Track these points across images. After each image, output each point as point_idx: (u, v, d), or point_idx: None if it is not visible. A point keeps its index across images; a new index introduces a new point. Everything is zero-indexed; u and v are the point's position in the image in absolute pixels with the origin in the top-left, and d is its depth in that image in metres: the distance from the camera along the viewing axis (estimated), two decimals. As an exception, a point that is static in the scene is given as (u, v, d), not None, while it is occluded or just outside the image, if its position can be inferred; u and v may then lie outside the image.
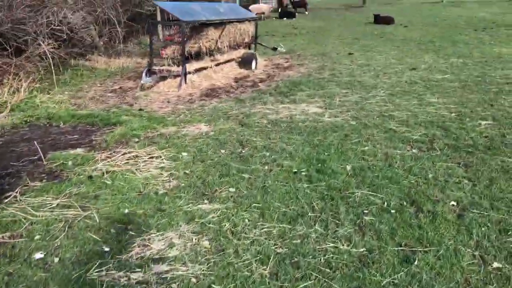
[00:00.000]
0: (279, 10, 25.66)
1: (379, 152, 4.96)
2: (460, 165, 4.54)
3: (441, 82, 8.65)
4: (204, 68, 9.18)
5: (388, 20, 20.64)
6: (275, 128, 6.04)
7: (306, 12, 26.86)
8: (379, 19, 20.83)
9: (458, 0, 27.27)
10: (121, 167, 4.43)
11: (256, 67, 10.66)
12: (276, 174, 4.37)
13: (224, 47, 10.48)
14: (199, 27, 9.32)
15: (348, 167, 4.51)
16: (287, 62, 11.94)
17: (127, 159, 4.64)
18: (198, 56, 9.77)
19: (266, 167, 4.58)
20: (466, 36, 16.28)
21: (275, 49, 13.65)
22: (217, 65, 9.76)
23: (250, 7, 24.09)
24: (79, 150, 5.03)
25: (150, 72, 8.82)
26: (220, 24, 9.84)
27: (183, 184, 4.09)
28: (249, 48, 12.14)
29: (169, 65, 8.94)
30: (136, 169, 4.39)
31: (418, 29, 18.69)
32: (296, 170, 4.45)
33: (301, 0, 28.24)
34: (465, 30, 17.80)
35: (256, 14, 24.38)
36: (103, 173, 4.29)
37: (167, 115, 6.84)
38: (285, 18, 24.88)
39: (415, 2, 29.50)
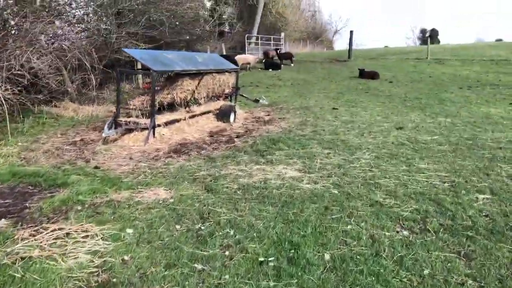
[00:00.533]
0: (264, 61, 25.61)
1: (363, 234, 4.17)
2: (461, 256, 3.76)
3: (430, 144, 8.04)
4: (177, 121, 8.47)
5: (373, 75, 20.55)
6: (245, 195, 5.24)
7: (292, 64, 26.88)
8: (364, 74, 20.74)
9: (441, 58, 27.65)
10: (43, 251, 3.53)
11: (234, 120, 10.00)
12: (237, 265, 3.51)
13: (202, 98, 9.87)
14: (174, 77, 8.70)
15: (327, 257, 3.68)
16: (268, 115, 11.34)
17: (55, 238, 3.75)
18: (172, 107, 9.10)
19: (227, 253, 3.73)
20: (452, 94, 16.06)
21: (257, 101, 13.11)
22: (192, 117, 9.08)
23: (236, 57, 23.98)
24: (1, 222, 4.12)
25: (116, 124, 8.06)
26: (197, 75, 9.25)
27: (114, 280, 3.20)
28: (230, 100, 11.56)
29: (137, 116, 8.21)
30: (61, 254, 3.50)
31: (403, 85, 18.53)
32: (262, 259, 3.61)
33: (287, 52, 28.41)
34: (450, 88, 17.66)
35: (242, 64, 24.31)
36: (16, 260, 3.38)
37: (124, 175, 6.01)
38: (270, 70, 24.76)
39: (399, 58, 29.89)
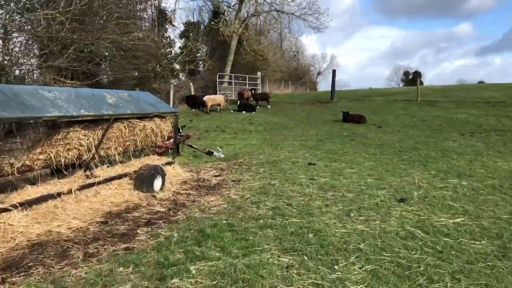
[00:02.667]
0: (238, 103, 22.77)
1: None
2: None
3: (457, 236, 4.95)
4: (51, 197, 5.23)
5: (358, 119, 17.80)
6: None
7: (269, 106, 24.11)
8: (348, 117, 17.98)
9: (432, 100, 25.25)
10: None
11: (162, 188, 6.81)
12: None
13: (114, 155, 6.70)
14: (55, 127, 5.54)
15: None
16: (218, 176, 8.18)
17: None
18: (64, 170, 5.94)
19: None
20: (455, 142, 13.24)
21: (210, 153, 10.00)
22: (86, 186, 5.86)
23: (205, 98, 21.15)
24: None
25: None
26: (99, 122, 6.12)
27: None
28: (175, 152, 8.49)
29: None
30: None
31: (394, 131, 15.71)
32: None
33: (263, 93, 25.80)
34: (450, 134, 14.90)
35: (211, 105, 21.43)
36: None
37: None
38: (244, 112, 21.90)
39: (386, 99, 27.45)
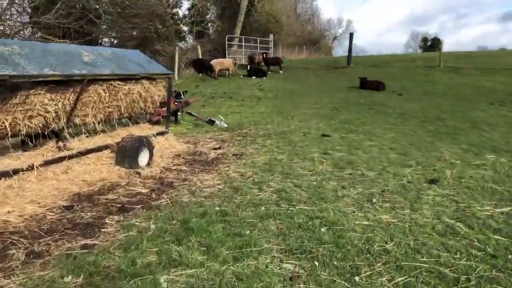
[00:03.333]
0: (248, 68, 21.43)
1: None
2: None
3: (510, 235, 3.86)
4: (5, 175, 4.26)
5: (377, 86, 16.44)
6: None
7: (281, 71, 22.75)
8: (366, 84, 16.63)
9: (456, 66, 23.55)
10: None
11: (150, 163, 5.81)
12: None
13: (93, 123, 5.68)
14: (12, 89, 4.49)
15: None
16: (218, 149, 7.14)
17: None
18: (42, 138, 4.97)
19: None
20: (484, 112, 11.94)
21: (211, 122, 8.93)
22: (56, 161, 4.88)
23: (212, 62, 19.88)
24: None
25: None
26: (68, 84, 5.06)
27: None
28: (169, 121, 7.48)
29: None
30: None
31: (416, 99, 14.39)
32: None
33: (275, 57, 24.34)
34: (478, 103, 13.55)
35: (218, 70, 20.18)
36: None
37: None
38: (254, 77, 20.61)
39: (405, 65, 25.77)
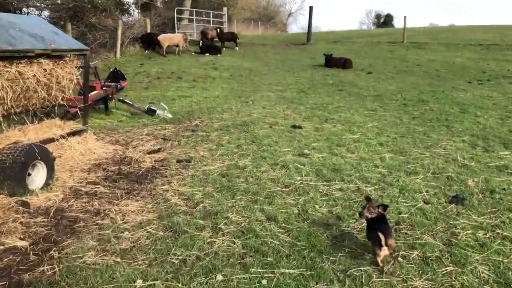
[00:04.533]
0: (200, 44, 19.24)
1: None
2: None
3: None
4: None
5: (343, 63, 14.89)
6: None
7: (236, 48, 20.73)
8: (332, 61, 15.01)
9: (419, 42, 22.45)
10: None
11: (50, 183, 3.83)
12: None
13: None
14: None
15: None
16: (156, 153, 5.22)
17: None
18: None
19: None
20: (467, 92, 10.65)
21: (151, 112, 6.94)
22: None
23: (159, 37, 17.56)
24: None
25: None
26: None
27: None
28: (87, 115, 5.45)
29: None
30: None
31: (389, 78, 12.95)
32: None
33: (230, 32, 22.24)
34: (455, 82, 12.30)
35: (167, 46, 17.91)
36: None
37: None
38: (207, 54, 18.51)
39: (368, 41, 24.41)
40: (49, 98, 4.71)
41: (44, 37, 4.59)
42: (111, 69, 10.12)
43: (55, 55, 4.56)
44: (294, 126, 6.80)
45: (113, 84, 7.04)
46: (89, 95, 6.58)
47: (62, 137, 4.69)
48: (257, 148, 5.54)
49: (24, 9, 12.72)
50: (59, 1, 13.30)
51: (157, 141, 5.79)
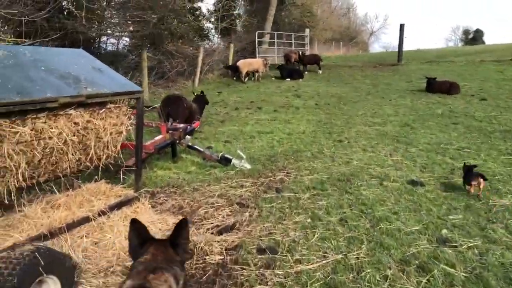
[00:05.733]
0: (280, 67, 17.92)
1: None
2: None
3: None
4: None
5: (449, 88, 12.58)
6: None
7: (320, 71, 19.14)
8: (435, 86, 12.82)
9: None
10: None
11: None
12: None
13: None
14: None
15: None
16: (227, 233, 3.72)
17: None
18: None
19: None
20: None
21: (226, 161, 5.54)
22: None
23: (239, 63, 16.53)
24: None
25: None
26: None
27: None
28: (139, 178, 4.16)
29: None
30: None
31: (511, 106, 10.45)
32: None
33: (312, 55, 20.73)
34: None
35: (245, 72, 16.85)
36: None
37: None
38: (288, 79, 17.14)
39: (469, 60, 21.51)
40: (86, 160, 3.44)
41: (80, 77, 3.36)
42: (194, 94, 9.14)
43: (94, 102, 3.28)
44: (412, 182, 5.00)
45: (181, 126, 5.76)
46: (153, 140, 5.36)
47: (102, 213, 3.37)
48: (370, 226, 3.83)
49: (103, 38, 12.35)
50: (131, 29, 12.70)
51: (232, 208, 4.31)
